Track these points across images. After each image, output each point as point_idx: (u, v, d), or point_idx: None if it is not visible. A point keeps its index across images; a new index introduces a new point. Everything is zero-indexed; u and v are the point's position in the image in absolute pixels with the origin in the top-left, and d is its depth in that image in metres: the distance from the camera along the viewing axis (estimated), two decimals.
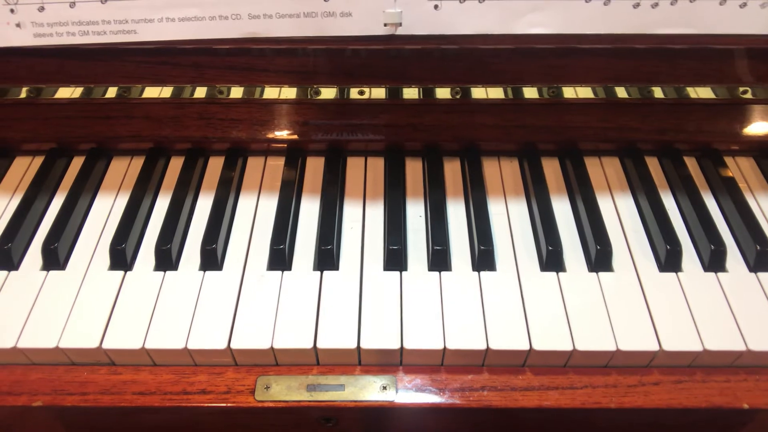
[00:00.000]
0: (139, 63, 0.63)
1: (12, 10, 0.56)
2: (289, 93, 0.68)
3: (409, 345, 0.52)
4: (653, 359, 0.53)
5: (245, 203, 0.66)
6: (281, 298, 0.56)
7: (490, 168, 0.69)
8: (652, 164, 0.69)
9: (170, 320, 0.54)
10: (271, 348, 0.53)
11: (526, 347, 0.52)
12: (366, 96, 0.67)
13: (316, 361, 0.54)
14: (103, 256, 0.60)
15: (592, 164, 0.69)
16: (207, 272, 0.58)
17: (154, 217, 0.65)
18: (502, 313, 0.54)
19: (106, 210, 0.66)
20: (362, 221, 0.63)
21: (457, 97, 0.67)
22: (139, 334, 0.53)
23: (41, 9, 0.56)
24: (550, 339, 0.52)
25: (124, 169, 0.70)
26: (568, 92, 0.67)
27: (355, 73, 0.64)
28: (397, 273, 0.58)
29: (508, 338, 0.52)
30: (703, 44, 0.59)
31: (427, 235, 0.62)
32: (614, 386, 0.53)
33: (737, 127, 0.68)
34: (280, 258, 0.59)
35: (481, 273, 0.57)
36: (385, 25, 0.56)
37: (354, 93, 0.67)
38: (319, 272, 0.58)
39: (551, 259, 0.58)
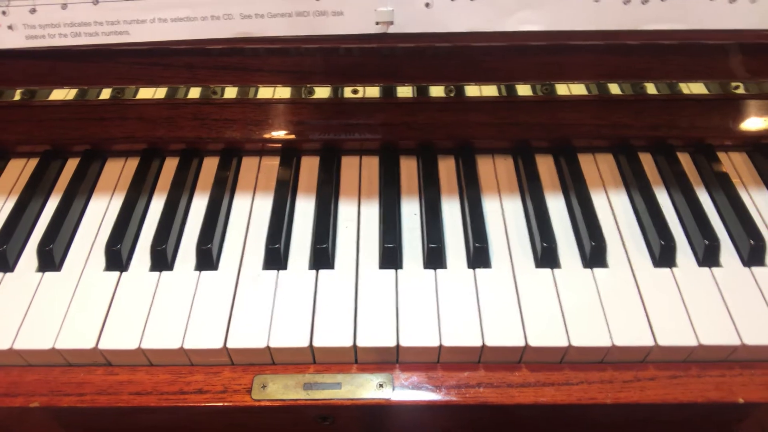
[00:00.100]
0: (132, 64, 0.63)
1: (4, 12, 0.56)
2: (283, 93, 0.68)
3: (405, 343, 0.52)
4: (648, 354, 0.53)
5: (240, 203, 0.66)
6: (277, 297, 0.56)
7: (485, 166, 0.69)
8: (646, 160, 0.69)
9: (166, 320, 0.54)
10: (268, 347, 0.53)
11: (522, 343, 0.52)
12: (360, 95, 0.67)
13: (313, 359, 0.55)
14: (99, 257, 0.60)
15: (585, 161, 0.69)
16: (202, 272, 0.58)
17: (149, 218, 0.65)
18: (498, 310, 0.54)
19: (101, 211, 0.66)
20: (357, 220, 0.63)
21: (451, 95, 0.67)
22: (136, 335, 0.53)
23: (33, 11, 0.56)
24: (546, 335, 0.52)
25: (119, 171, 0.70)
26: (561, 89, 0.67)
27: (348, 72, 0.65)
28: (393, 271, 0.58)
29: (504, 335, 0.52)
30: (694, 40, 0.59)
31: (422, 233, 0.62)
32: (610, 382, 0.53)
33: (730, 123, 0.68)
34: (276, 257, 0.59)
35: (477, 270, 0.58)
36: (377, 23, 0.56)
37: (348, 92, 0.67)
38: (314, 271, 0.58)
39: (546, 256, 0.58)
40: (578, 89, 0.67)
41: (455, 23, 0.56)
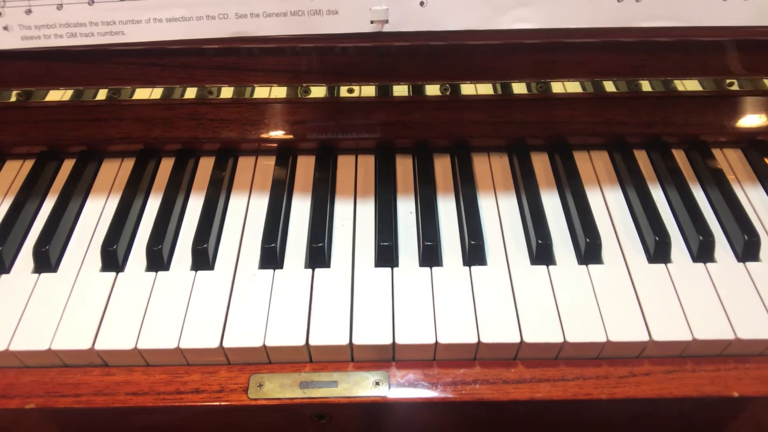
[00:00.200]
0: (127, 64, 0.64)
1: None
2: (279, 92, 0.68)
3: (401, 340, 0.52)
4: (644, 350, 0.53)
5: (236, 203, 0.66)
6: (273, 296, 0.56)
7: (480, 164, 0.69)
8: (641, 157, 0.69)
9: (162, 320, 0.54)
10: (264, 346, 0.53)
11: (517, 340, 0.52)
12: (356, 94, 0.67)
13: (309, 358, 0.55)
14: (95, 258, 0.60)
15: (581, 158, 0.69)
16: (199, 272, 0.58)
17: (145, 219, 0.65)
18: (493, 307, 0.54)
19: (97, 212, 0.66)
20: (353, 219, 0.64)
21: (447, 93, 0.67)
22: (132, 335, 0.53)
23: (28, 11, 0.56)
24: (541, 331, 0.52)
25: (115, 171, 0.70)
26: (557, 87, 0.67)
27: (344, 71, 0.65)
28: (389, 269, 0.58)
29: (500, 331, 0.53)
30: (688, 37, 0.60)
31: (417, 231, 0.62)
32: (605, 377, 0.53)
33: (724, 119, 0.68)
34: (272, 256, 0.59)
35: (472, 267, 0.58)
36: (372, 22, 0.56)
37: (344, 91, 0.67)
38: (310, 270, 0.58)
39: (541, 253, 0.58)
40: (573, 87, 0.67)
41: (450, 22, 0.56)
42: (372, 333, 0.53)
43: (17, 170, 0.70)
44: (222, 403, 0.53)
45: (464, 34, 0.58)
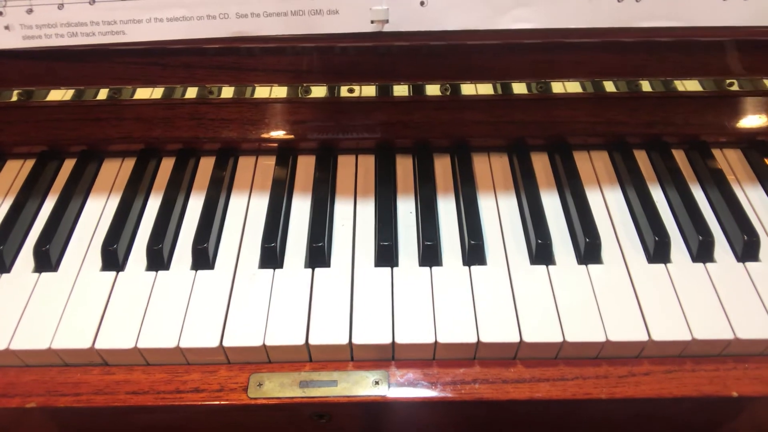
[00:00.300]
0: (128, 64, 0.64)
1: (0, 13, 0.57)
2: (280, 92, 0.68)
3: (400, 340, 0.53)
4: (643, 349, 0.53)
5: (236, 202, 0.66)
6: (273, 295, 0.56)
7: (480, 164, 0.69)
8: (641, 157, 0.69)
9: (162, 319, 0.54)
10: (264, 345, 0.53)
11: (517, 339, 0.52)
12: (356, 94, 0.67)
13: (309, 357, 0.55)
14: (95, 257, 0.60)
15: (581, 158, 0.69)
16: (199, 271, 0.59)
17: (145, 218, 0.65)
18: (493, 307, 0.54)
19: (98, 212, 0.66)
20: (353, 218, 0.64)
21: (447, 93, 0.67)
22: (132, 334, 0.54)
23: (30, 11, 0.56)
24: (541, 331, 0.52)
25: (116, 171, 0.70)
26: (557, 87, 0.67)
27: (344, 71, 0.65)
28: (389, 269, 0.58)
29: (499, 331, 0.53)
30: (688, 37, 0.60)
31: (417, 231, 0.62)
32: (605, 377, 0.53)
33: (724, 120, 0.68)
34: (272, 256, 0.59)
35: (472, 267, 0.58)
36: (372, 22, 0.56)
37: (344, 91, 0.67)
38: (310, 269, 0.58)
39: (541, 253, 0.58)
40: (573, 87, 0.67)
41: (450, 21, 0.56)
42: (372, 332, 0.53)
43: (18, 170, 0.71)
44: (222, 403, 0.53)
45: (464, 34, 0.58)
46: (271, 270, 0.58)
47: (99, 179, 0.70)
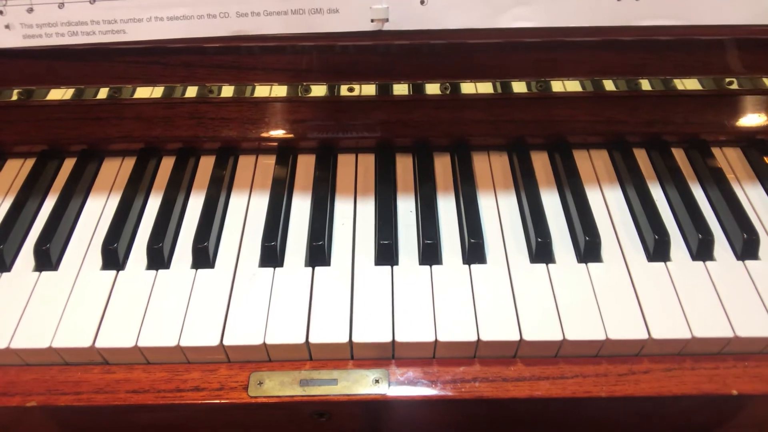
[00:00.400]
0: (129, 63, 0.64)
1: (1, 12, 0.57)
2: (280, 91, 0.68)
3: (400, 338, 0.53)
4: (643, 348, 0.53)
5: (236, 201, 0.66)
6: (273, 294, 0.56)
7: (480, 162, 0.69)
8: (641, 156, 0.69)
9: (163, 318, 0.55)
10: (264, 344, 0.53)
11: (517, 338, 0.52)
12: (356, 93, 0.68)
13: (309, 356, 0.55)
14: (96, 256, 0.61)
15: (580, 157, 0.69)
16: (199, 270, 0.59)
17: (145, 217, 0.65)
18: (493, 305, 0.54)
19: (98, 211, 0.66)
20: (353, 217, 0.64)
21: (447, 92, 0.67)
22: (132, 333, 0.54)
23: (30, 10, 0.56)
24: (541, 329, 0.52)
25: (116, 170, 0.70)
26: (557, 86, 0.67)
27: (344, 70, 0.65)
28: (389, 267, 0.58)
29: (499, 329, 0.53)
30: (688, 35, 0.60)
31: (417, 230, 0.62)
32: (605, 375, 0.53)
33: (724, 118, 0.69)
34: (272, 255, 0.59)
35: (472, 266, 0.58)
36: (372, 20, 0.56)
37: (344, 90, 0.68)
38: (310, 268, 0.58)
39: (541, 251, 0.58)
40: (573, 86, 0.67)
41: (450, 20, 0.56)
42: (372, 331, 0.53)
43: (18, 169, 0.71)
44: (222, 401, 0.53)
45: (464, 33, 0.58)
46: (272, 269, 0.58)
47: (99, 178, 0.70)
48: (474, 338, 0.52)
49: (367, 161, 0.70)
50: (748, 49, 0.63)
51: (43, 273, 0.59)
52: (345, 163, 0.70)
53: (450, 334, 0.52)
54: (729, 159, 0.70)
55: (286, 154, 0.70)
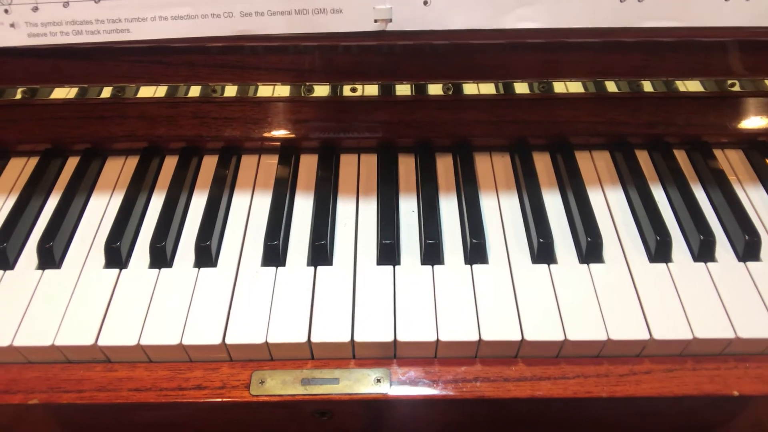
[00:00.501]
0: (133, 62, 0.64)
1: (6, 11, 0.57)
2: (283, 91, 0.68)
3: (402, 338, 0.53)
4: (644, 348, 0.53)
5: (239, 201, 0.66)
6: (275, 293, 0.56)
7: (482, 163, 0.70)
8: (643, 157, 0.69)
9: (165, 317, 0.55)
10: (266, 343, 0.53)
11: (518, 338, 0.52)
12: (359, 93, 0.68)
13: (311, 355, 0.55)
14: (99, 255, 0.61)
15: (582, 158, 0.69)
16: (202, 269, 0.59)
17: (148, 216, 0.65)
18: (494, 305, 0.54)
19: (101, 209, 0.66)
20: (355, 217, 0.64)
21: (449, 93, 0.68)
22: (135, 331, 0.54)
23: (35, 9, 0.57)
24: (542, 329, 0.53)
25: (119, 169, 0.70)
26: (559, 87, 0.67)
27: (347, 70, 0.65)
28: (391, 267, 0.58)
29: (500, 329, 0.53)
30: (690, 37, 0.60)
31: (419, 230, 0.62)
32: (606, 375, 0.53)
33: (726, 120, 0.69)
34: (274, 254, 0.59)
35: (474, 266, 0.58)
36: (376, 21, 0.56)
37: (347, 90, 0.68)
38: (312, 267, 0.59)
39: (542, 252, 0.59)
40: (575, 87, 0.67)
41: (453, 21, 0.57)
42: (374, 330, 0.53)
43: (22, 167, 0.71)
44: (224, 400, 0.53)
45: (467, 34, 0.58)
46: (274, 268, 0.59)
47: (102, 177, 0.70)
48: (475, 338, 0.52)
49: (370, 161, 0.70)
50: (750, 50, 0.63)
51: (46, 271, 0.59)
52: (347, 163, 0.70)
53: (451, 334, 0.53)
54: (731, 160, 0.70)
55: (288, 153, 0.70)
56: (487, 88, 0.67)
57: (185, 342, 0.53)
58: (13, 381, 0.54)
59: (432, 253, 0.59)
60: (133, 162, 0.70)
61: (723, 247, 0.60)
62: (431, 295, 0.55)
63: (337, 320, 0.54)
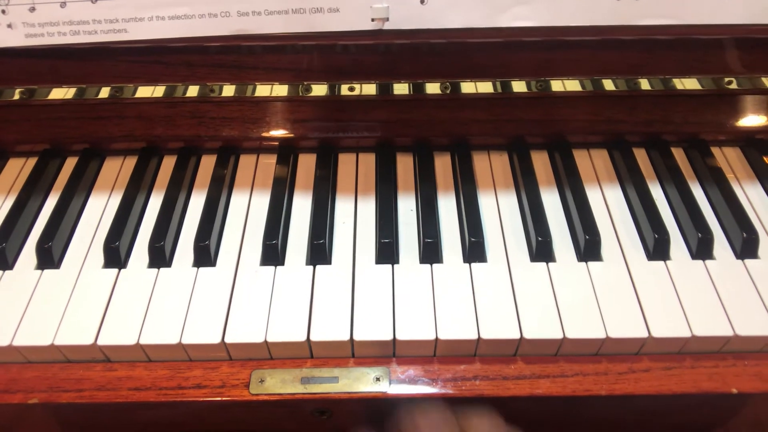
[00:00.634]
0: (130, 62, 0.64)
1: (3, 11, 0.57)
2: (281, 90, 0.68)
3: (401, 336, 0.53)
4: (643, 346, 0.54)
5: (238, 200, 0.66)
6: (274, 292, 0.56)
7: (480, 162, 0.70)
8: (640, 155, 0.69)
9: (164, 316, 0.55)
10: (265, 341, 0.53)
11: (517, 336, 0.52)
12: (357, 92, 0.68)
13: (310, 354, 0.55)
14: (98, 255, 0.61)
15: (580, 156, 0.69)
16: (200, 268, 0.59)
17: (147, 216, 0.65)
18: (493, 304, 0.55)
19: (100, 209, 0.66)
20: (354, 216, 0.64)
21: (447, 92, 0.68)
22: (134, 330, 0.54)
23: (32, 9, 0.57)
24: (541, 327, 0.53)
25: (117, 169, 0.71)
26: (556, 85, 0.67)
27: (345, 70, 0.65)
28: (389, 266, 0.58)
29: (499, 328, 0.53)
30: (687, 35, 0.60)
31: (418, 229, 0.62)
32: (605, 374, 0.53)
33: (723, 118, 0.69)
34: (273, 253, 0.59)
35: (472, 264, 0.58)
36: (373, 20, 0.56)
37: (344, 89, 0.68)
38: (311, 266, 0.59)
39: (541, 250, 0.59)
40: (573, 85, 0.67)
41: (450, 19, 0.57)
42: (373, 329, 0.53)
43: (20, 168, 0.71)
44: (223, 399, 0.53)
45: (464, 32, 0.58)
46: (273, 267, 0.59)
47: (101, 177, 0.70)
48: (474, 336, 0.52)
49: (368, 160, 0.70)
50: (747, 48, 0.63)
51: (45, 271, 0.59)
52: (346, 162, 0.70)
53: (451, 333, 0.53)
54: (728, 158, 0.70)
55: (287, 153, 0.70)
56: (485, 87, 0.67)
57: (184, 341, 0.53)
58: (12, 380, 0.54)
59: (431, 252, 0.59)
60: (131, 162, 0.70)
61: (721, 244, 0.60)
62: (430, 294, 0.56)
63: (336, 319, 0.54)
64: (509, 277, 0.57)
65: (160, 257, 0.60)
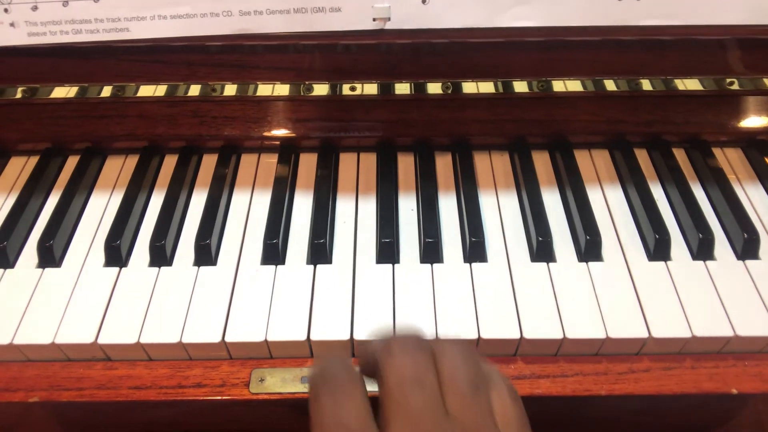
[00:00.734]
0: (132, 61, 0.64)
1: (6, 10, 0.57)
2: (282, 90, 0.68)
3: None
4: (643, 346, 0.54)
5: (239, 199, 0.66)
6: (275, 291, 0.57)
7: (481, 162, 0.70)
8: (641, 156, 0.69)
9: (165, 315, 0.55)
10: (265, 341, 0.53)
11: (517, 336, 0.52)
12: (358, 92, 0.68)
13: (310, 353, 0.55)
14: (99, 253, 0.61)
15: (581, 156, 0.69)
16: (201, 267, 0.59)
17: (148, 215, 0.65)
18: (494, 303, 0.55)
19: (101, 208, 0.66)
20: (355, 215, 0.64)
21: (448, 92, 0.68)
22: (135, 329, 0.54)
23: (35, 8, 0.57)
24: (541, 328, 0.53)
25: (119, 168, 0.71)
26: (558, 85, 0.67)
27: (346, 69, 0.65)
28: (390, 265, 0.58)
29: (500, 327, 0.53)
30: (688, 35, 0.60)
31: (419, 228, 0.62)
32: (605, 374, 0.53)
33: (725, 118, 0.69)
34: (274, 252, 0.59)
35: (473, 264, 0.58)
36: (374, 20, 0.57)
37: (346, 89, 0.68)
38: (312, 266, 0.59)
39: (542, 250, 0.59)
40: (574, 85, 0.67)
41: (451, 19, 0.57)
42: (373, 328, 0.53)
43: (22, 166, 0.71)
44: (223, 398, 0.53)
45: (465, 32, 0.58)
46: (273, 266, 0.59)
47: (102, 176, 0.70)
48: (474, 336, 0.52)
49: (369, 160, 0.70)
50: (748, 49, 0.63)
51: (47, 269, 0.59)
52: (347, 161, 0.70)
53: (451, 332, 0.53)
54: (730, 159, 0.70)
55: (288, 152, 0.70)
56: (486, 87, 0.67)
57: (185, 340, 0.53)
58: (13, 379, 0.54)
59: (431, 252, 0.59)
60: (132, 161, 0.70)
61: (722, 245, 0.60)
62: (430, 293, 0.56)
63: (337, 318, 0.54)
64: (510, 277, 0.57)
65: (161, 256, 0.60)
